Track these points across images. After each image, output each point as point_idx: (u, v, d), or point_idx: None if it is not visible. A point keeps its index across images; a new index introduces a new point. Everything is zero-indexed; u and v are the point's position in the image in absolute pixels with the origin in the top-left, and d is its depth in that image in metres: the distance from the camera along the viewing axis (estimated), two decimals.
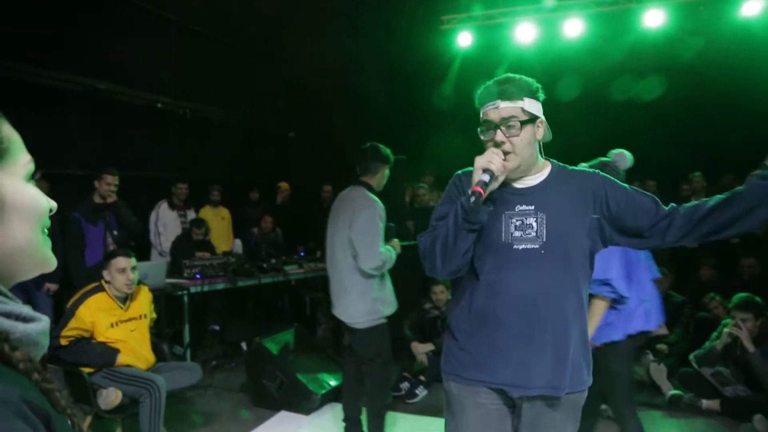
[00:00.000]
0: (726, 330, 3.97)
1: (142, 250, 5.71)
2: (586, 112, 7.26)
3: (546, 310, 1.66)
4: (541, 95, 1.72)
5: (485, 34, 7.27)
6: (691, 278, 5.85)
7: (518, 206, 1.71)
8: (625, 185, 1.75)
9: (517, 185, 1.74)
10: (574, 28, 6.64)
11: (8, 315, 0.66)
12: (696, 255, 6.14)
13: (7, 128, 0.73)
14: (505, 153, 1.64)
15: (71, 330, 3.14)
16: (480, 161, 1.61)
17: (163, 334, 5.15)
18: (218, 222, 6.30)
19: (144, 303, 3.47)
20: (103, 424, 3.51)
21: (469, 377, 1.77)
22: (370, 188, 3.26)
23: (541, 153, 1.77)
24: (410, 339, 4.47)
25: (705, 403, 3.93)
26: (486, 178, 1.58)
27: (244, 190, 7.21)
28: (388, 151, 3.30)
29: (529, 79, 1.71)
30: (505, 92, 1.65)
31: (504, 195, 1.73)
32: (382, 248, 3.14)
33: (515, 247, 1.68)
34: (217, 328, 5.44)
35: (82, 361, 3.15)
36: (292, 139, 8.74)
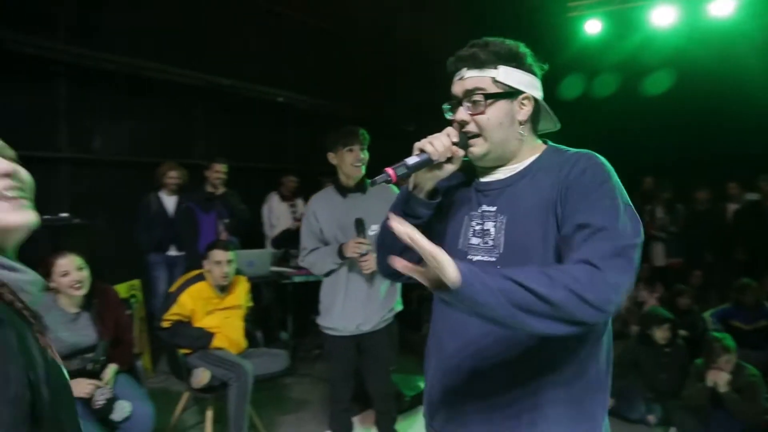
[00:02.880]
0: None
1: (257, 237, 5.99)
2: (739, 101, 6.46)
3: (492, 345, 1.27)
4: (532, 66, 1.32)
5: (616, 20, 6.70)
6: None
7: (482, 206, 1.34)
8: (606, 188, 1.19)
9: (486, 179, 1.37)
10: (723, 7, 5.83)
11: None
12: None
13: None
14: (471, 136, 1.30)
15: (172, 314, 3.33)
16: (422, 140, 1.29)
17: (271, 320, 5.38)
18: None
19: (240, 294, 3.60)
20: (200, 404, 3.72)
21: (426, 419, 1.47)
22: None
23: (534, 137, 1.38)
24: None
25: None
26: (412, 161, 1.26)
27: None
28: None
29: (515, 43, 1.31)
30: (473, 58, 1.29)
31: (470, 191, 1.39)
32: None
33: (469, 257, 1.31)
34: None
35: (181, 343, 3.33)
36: (412, 133, 8.71)
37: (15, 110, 4.66)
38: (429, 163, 1.28)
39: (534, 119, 1.35)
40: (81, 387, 2.64)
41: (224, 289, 3.49)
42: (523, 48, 1.32)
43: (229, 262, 3.41)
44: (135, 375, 3.08)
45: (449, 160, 1.30)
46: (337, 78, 7.49)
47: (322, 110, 7.35)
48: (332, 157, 2.91)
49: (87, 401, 2.64)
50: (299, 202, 6.35)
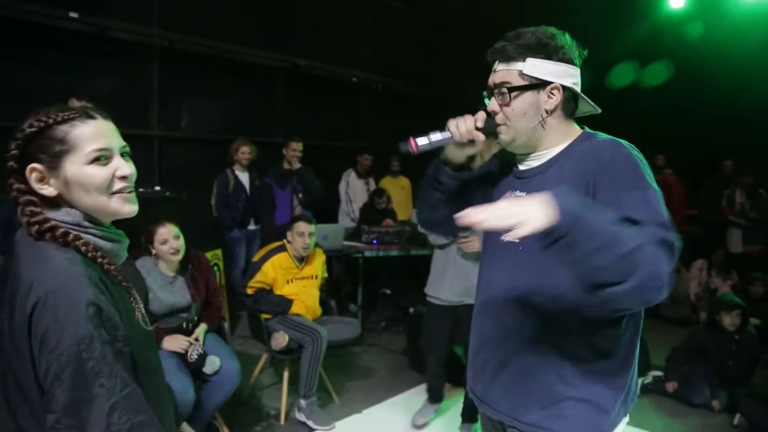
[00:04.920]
0: None
1: (329, 213, 6.27)
2: None
3: (512, 318, 1.40)
4: (565, 54, 1.34)
5: None
6: None
7: (515, 191, 1.44)
8: (637, 177, 1.23)
9: (522, 166, 1.47)
10: None
11: (101, 237, 1.13)
12: None
13: (80, 128, 1.08)
14: (498, 124, 1.39)
15: (256, 282, 3.62)
16: (453, 119, 1.42)
17: (341, 291, 5.66)
18: (398, 191, 6.62)
19: (317, 265, 3.86)
20: (276, 366, 4.04)
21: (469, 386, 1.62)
22: None
23: (568, 122, 1.42)
24: None
25: None
26: (435, 137, 1.40)
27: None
28: None
29: (550, 33, 1.35)
30: (503, 52, 1.36)
31: (508, 178, 1.50)
32: None
33: (501, 237, 1.42)
34: (388, 292, 5.78)
35: (262, 308, 3.62)
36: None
37: (115, 91, 5.10)
38: (450, 142, 1.42)
39: (566, 107, 1.38)
40: (178, 342, 2.97)
41: (303, 260, 3.75)
42: (556, 38, 1.34)
43: (311, 234, 3.67)
44: (222, 335, 3.38)
45: (471, 142, 1.43)
46: (411, 58, 7.60)
47: (396, 90, 7.50)
48: None
49: (182, 356, 2.95)
50: (371, 180, 6.59)
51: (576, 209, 1.05)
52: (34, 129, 1.06)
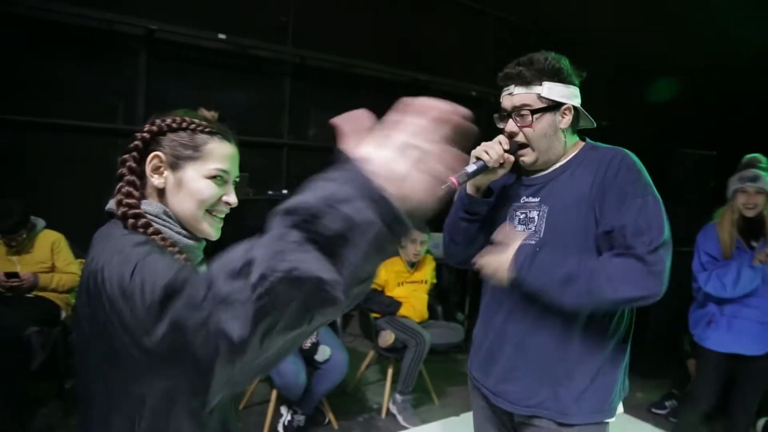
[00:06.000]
0: None
1: (440, 223, 6.40)
2: None
3: (533, 316, 1.51)
4: (572, 77, 1.49)
5: None
6: None
7: (525, 198, 1.57)
8: (640, 185, 1.41)
9: (531, 175, 1.58)
10: None
11: (178, 233, 1.11)
12: None
13: (216, 144, 1.13)
14: (521, 146, 1.51)
15: None
16: (477, 148, 1.49)
17: (449, 299, 5.76)
18: None
19: (427, 270, 4.02)
20: (381, 364, 4.22)
21: (472, 374, 1.78)
22: None
23: (574, 136, 1.56)
24: (688, 355, 4.01)
25: None
26: (471, 168, 1.45)
27: None
28: None
29: (558, 58, 1.49)
30: (520, 76, 1.47)
31: (515, 186, 1.61)
32: None
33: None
34: None
35: (373, 308, 3.83)
36: (607, 128, 8.44)
37: (251, 103, 5.62)
38: (485, 169, 1.48)
39: (574, 123, 1.53)
40: None
41: (414, 265, 3.93)
42: (563, 62, 1.49)
43: (422, 242, 3.85)
44: (334, 329, 3.64)
45: (501, 165, 1.51)
46: None
47: None
48: None
49: None
50: None
51: (525, 265, 1.38)
52: (176, 125, 1.11)
